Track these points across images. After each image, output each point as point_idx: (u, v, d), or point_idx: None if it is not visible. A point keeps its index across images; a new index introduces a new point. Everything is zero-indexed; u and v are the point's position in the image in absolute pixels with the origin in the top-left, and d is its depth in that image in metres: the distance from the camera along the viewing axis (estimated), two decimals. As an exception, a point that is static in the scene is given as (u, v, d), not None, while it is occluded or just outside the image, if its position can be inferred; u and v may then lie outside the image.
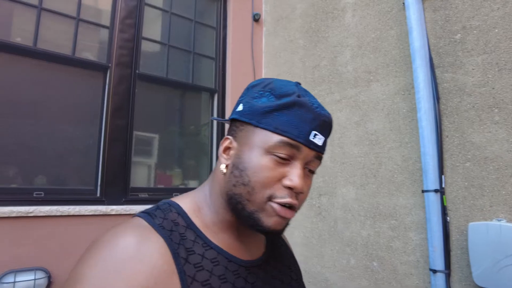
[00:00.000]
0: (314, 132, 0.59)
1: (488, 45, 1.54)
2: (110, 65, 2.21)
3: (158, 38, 2.49)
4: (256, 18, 2.84)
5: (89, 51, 2.21)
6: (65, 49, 2.09)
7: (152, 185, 2.40)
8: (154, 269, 0.50)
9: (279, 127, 0.58)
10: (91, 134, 2.16)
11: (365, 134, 2.02)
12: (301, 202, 0.62)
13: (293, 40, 2.59)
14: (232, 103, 2.69)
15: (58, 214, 1.89)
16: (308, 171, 0.63)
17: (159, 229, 0.56)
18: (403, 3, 1.85)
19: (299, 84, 0.65)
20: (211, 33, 2.78)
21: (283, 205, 0.58)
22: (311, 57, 2.42)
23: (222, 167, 0.62)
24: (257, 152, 0.59)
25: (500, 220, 1.44)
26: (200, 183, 2.61)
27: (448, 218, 1.61)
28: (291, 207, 0.59)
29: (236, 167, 0.60)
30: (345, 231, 2.05)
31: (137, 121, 2.30)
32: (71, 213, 1.92)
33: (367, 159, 2.00)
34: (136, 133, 2.30)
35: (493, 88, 1.51)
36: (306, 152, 0.59)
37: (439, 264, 1.58)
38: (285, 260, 0.74)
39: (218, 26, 2.78)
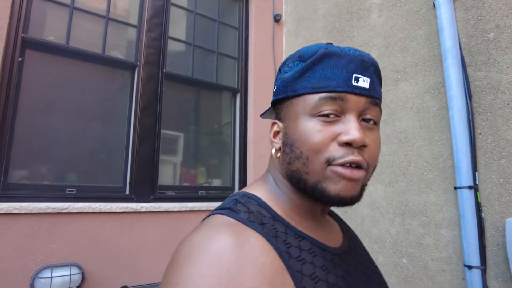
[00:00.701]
0: (355, 75, 0.52)
1: (523, 44, 1.57)
2: (138, 63, 2.24)
3: (183, 38, 2.52)
4: (277, 19, 2.87)
5: (118, 50, 2.24)
6: (95, 48, 2.12)
7: (177, 183, 2.42)
8: (264, 268, 0.44)
9: (314, 84, 0.53)
10: (120, 132, 2.18)
11: (394, 132, 2.04)
12: (371, 158, 0.54)
13: (315, 40, 2.62)
14: (254, 103, 2.72)
15: (91, 211, 1.90)
16: (369, 123, 0.55)
17: (251, 224, 0.50)
18: (433, 3, 1.87)
19: (330, 43, 0.59)
20: (234, 33, 2.81)
21: (346, 165, 0.51)
22: (335, 57, 2.45)
23: (274, 151, 0.59)
24: (302, 120, 0.54)
25: (538, 216, 1.46)
26: (223, 181, 2.63)
27: (482, 214, 1.63)
28: (358, 166, 0.51)
29: (286, 145, 0.56)
30: (373, 229, 2.07)
31: (164, 120, 2.32)
32: (103, 210, 1.94)
33: (396, 157, 2.02)
34: (163, 131, 2.32)
35: (529, 86, 1.54)
36: (354, 100, 0.52)
37: (475, 260, 1.60)
38: (359, 244, 0.70)
39: (240, 27, 2.81)
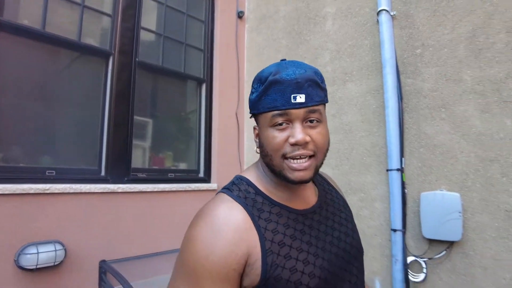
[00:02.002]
0: (292, 95, 0.73)
1: (440, 60, 2.04)
2: (113, 52, 2.33)
3: (154, 29, 2.64)
4: (240, 15, 3.10)
5: (93, 38, 2.31)
6: (71, 34, 2.17)
7: (147, 166, 2.59)
8: (238, 227, 0.71)
9: (268, 105, 0.75)
10: (95, 117, 2.29)
11: (340, 124, 2.45)
12: (316, 147, 0.75)
13: (276, 39, 2.92)
14: (219, 93, 2.95)
15: (72, 191, 2.02)
16: (313, 123, 0.75)
17: (238, 198, 0.76)
18: (377, 20, 2.28)
19: (284, 59, 0.82)
20: (200, 26, 2.99)
21: (296, 158, 0.74)
22: (293, 56, 2.78)
23: (256, 148, 0.85)
24: (265, 129, 0.77)
25: (442, 190, 1.97)
26: (189, 165, 2.86)
27: (406, 190, 2.12)
28: (306, 156, 0.74)
29: (260, 146, 0.80)
30: (322, 204, 2.48)
31: (135, 106, 2.46)
32: (83, 191, 2.07)
33: (341, 145, 2.44)
34: (135, 117, 2.46)
35: (442, 93, 2.02)
36: (295, 112, 0.73)
37: (398, 225, 2.08)
38: (335, 203, 0.93)
39: (207, 20, 2.99)
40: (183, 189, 2.61)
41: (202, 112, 2.94)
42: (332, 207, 0.91)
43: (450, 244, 1.92)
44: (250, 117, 0.87)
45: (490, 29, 1.90)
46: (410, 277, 2.01)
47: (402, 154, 2.15)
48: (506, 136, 1.82)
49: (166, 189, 2.49)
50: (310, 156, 0.75)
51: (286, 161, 0.75)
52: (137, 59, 2.45)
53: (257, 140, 0.83)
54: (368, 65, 2.35)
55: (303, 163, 0.74)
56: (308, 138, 0.73)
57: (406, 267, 2.02)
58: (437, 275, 1.97)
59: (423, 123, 2.09)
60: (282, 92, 0.73)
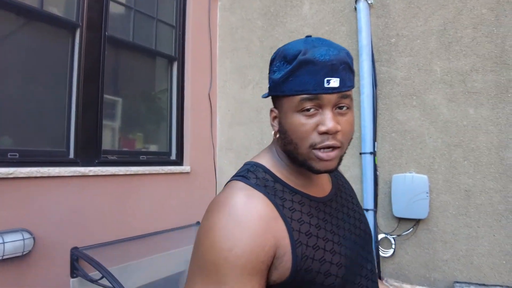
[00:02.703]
0: (326, 78, 0.65)
1: (413, 50, 2.16)
2: (80, 24, 2.14)
3: (124, 1, 2.46)
4: (213, -8, 2.99)
5: (57, 7, 2.08)
6: (31, 1, 1.95)
7: (117, 148, 2.46)
8: (262, 217, 0.64)
9: (296, 88, 0.66)
10: (61, 95, 2.10)
11: (316, 108, 2.51)
12: (344, 137, 0.69)
13: (251, 20, 2.87)
14: (191, 72, 2.85)
15: (39, 175, 1.86)
16: (342, 109, 0.69)
17: (257, 187, 0.69)
18: (355, 7, 2.34)
19: (309, 36, 0.73)
20: (172, 1, 2.83)
21: (325, 148, 0.67)
22: (269, 38, 2.76)
23: (273, 133, 0.77)
24: (290, 114, 0.69)
25: (412, 173, 2.13)
26: (160, 147, 2.77)
27: (378, 172, 2.26)
28: (334, 147, 0.68)
29: (281, 131, 0.73)
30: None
31: (105, 85, 2.30)
32: (51, 174, 1.92)
33: (317, 128, 2.50)
34: (104, 96, 2.30)
35: (414, 82, 2.16)
36: (327, 98, 0.66)
37: (370, 205, 2.22)
38: (346, 189, 0.91)
39: (179, -5, 2.84)
40: (156, 172, 2.52)
41: (174, 92, 2.83)
42: (345, 193, 0.89)
43: (417, 221, 2.10)
44: (265, 96, 0.79)
45: (459, 24, 2.04)
46: (380, 253, 2.18)
47: (375, 139, 2.27)
48: (469, 124, 2.00)
49: (139, 172, 2.39)
50: (338, 147, 0.69)
51: (314, 151, 0.68)
52: (106, 33, 2.27)
53: (275, 124, 0.76)
54: (345, 52, 2.42)
55: (330, 152, 0.68)
56: (339, 127, 0.67)
57: (377, 244, 2.18)
58: (404, 250, 2.15)
59: (395, 110, 2.22)
60: (314, 74, 0.65)
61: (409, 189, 2.08)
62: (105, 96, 2.31)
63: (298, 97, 0.66)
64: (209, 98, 3.03)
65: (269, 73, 0.76)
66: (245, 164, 0.79)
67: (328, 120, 0.65)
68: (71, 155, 2.11)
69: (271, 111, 0.77)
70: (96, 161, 2.21)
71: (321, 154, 0.67)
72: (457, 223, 2.01)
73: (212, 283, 0.60)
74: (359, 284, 0.74)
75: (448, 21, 2.07)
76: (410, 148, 2.16)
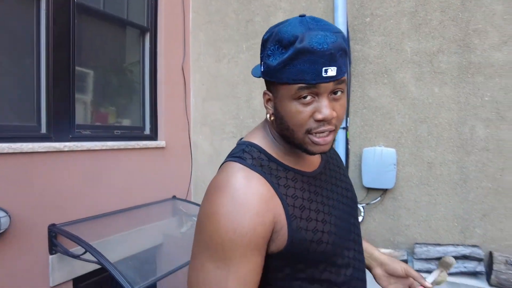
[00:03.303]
0: (324, 68, 0.65)
1: (386, 30, 2.26)
2: (46, -12, 1.99)
3: (92, -36, 2.30)
4: (186, -40, 2.86)
5: (20, -32, 1.92)
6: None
7: (90, 123, 2.38)
8: (261, 197, 0.68)
9: (294, 77, 0.66)
10: (29, 67, 1.97)
11: (292, 84, 2.57)
12: (338, 121, 0.72)
13: (226, -8, 2.81)
14: (164, 44, 2.77)
15: (11, 151, 1.79)
16: (337, 94, 0.70)
17: (253, 167, 0.72)
18: (332, -16, 2.37)
19: (304, 16, 0.70)
20: (143, -33, 2.68)
21: (321, 132, 0.70)
22: (245, 11, 2.73)
23: (268, 116, 0.78)
24: (287, 101, 0.70)
25: (381, 146, 2.29)
26: (133, 121, 2.72)
27: (349, 146, 2.40)
28: (329, 131, 0.71)
29: (277, 116, 0.74)
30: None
31: (76, 56, 2.19)
32: (24, 150, 1.84)
33: (292, 104, 2.58)
34: (76, 68, 2.20)
35: (385, 61, 2.27)
36: (324, 86, 0.67)
37: (342, 177, 2.37)
38: (334, 160, 0.95)
39: (150, -39, 2.70)
40: (131, 147, 2.49)
41: (146, 65, 2.75)
42: (333, 164, 0.93)
43: (384, 191, 2.29)
44: (258, 77, 0.79)
45: (429, 7, 2.16)
46: (350, 220, 2.36)
47: (347, 114, 2.39)
48: (433, 102, 2.17)
49: (115, 147, 2.35)
50: (332, 130, 0.72)
51: (310, 136, 0.71)
52: (75, 0, 2.13)
53: (269, 107, 0.77)
54: (321, 29, 2.47)
55: (326, 137, 0.71)
56: (334, 114, 0.69)
57: (347, 212, 2.36)
58: (372, 217, 2.35)
59: (368, 87, 2.34)
60: (312, 64, 0.65)
61: (378, 161, 2.24)
62: (76, 68, 2.20)
63: (296, 86, 0.67)
64: (183, 72, 2.98)
65: (261, 53, 0.75)
66: (239, 144, 0.81)
67: (324, 108, 0.68)
68: (43, 130, 2.03)
69: (265, 93, 0.77)
70: (70, 136, 2.14)
71: (317, 139, 0.71)
72: (419, 192, 2.22)
73: (220, 260, 0.64)
74: (347, 247, 0.81)
75: (419, 3, 2.18)
76: (380, 123, 2.31)
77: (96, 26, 2.38)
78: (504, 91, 2.01)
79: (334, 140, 0.75)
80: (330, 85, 0.67)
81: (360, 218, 2.35)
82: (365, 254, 0.97)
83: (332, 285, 0.75)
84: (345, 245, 0.79)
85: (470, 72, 2.08)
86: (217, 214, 0.66)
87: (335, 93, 0.70)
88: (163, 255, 2.65)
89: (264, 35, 0.73)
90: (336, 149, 2.34)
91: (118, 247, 2.31)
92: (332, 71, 0.65)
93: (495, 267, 1.94)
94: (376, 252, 0.97)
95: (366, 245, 1.00)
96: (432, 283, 0.83)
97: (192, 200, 3.08)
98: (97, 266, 2.22)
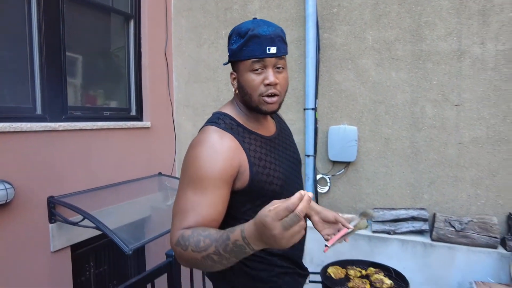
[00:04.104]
0: (268, 47, 0.93)
1: (351, 20, 2.52)
2: (37, -22, 2.12)
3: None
4: None
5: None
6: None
7: (80, 104, 2.56)
8: (231, 148, 0.94)
9: (248, 54, 0.94)
10: (23, 53, 2.13)
11: (268, 69, 2.81)
12: (281, 88, 0.98)
13: (206, -20, 2.98)
14: (148, 29, 2.94)
15: (12, 130, 1.97)
16: (279, 69, 0.97)
17: (226, 129, 0.98)
18: (303, -23, 2.59)
19: (255, 18, 1.00)
20: (126, -45, 2.81)
21: (269, 95, 0.96)
22: (224, 0, 2.92)
23: (234, 90, 1.05)
24: (245, 73, 0.96)
25: (345, 124, 2.59)
26: (119, 103, 2.92)
27: (317, 125, 2.69)
28: (275, 95, 0.97)
29: (239, 87, 1.01)
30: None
31: (66, 41, 2.34)
32: (24, 129, 2.03)
33: (268, 87, 2.83)
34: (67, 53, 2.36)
35: (350, 48, 2.55)
36: (269, 60, 0.94)
37: (311, 152, 2.68)
38: (285, 130, 1.22)
39: (132, -51, 2.82)
40: (120, 127, 2.69)
41: (131, 49, 2.91)
42: (285, 133, 1.21)
43: (347, 164, 2.61)
44: (226, 63, 1.06)
45: (388, 0, 2.43)
46: (318, 190, 2.68)
47: (316, 96, 2.67)
48: (391, 85, 2.47)
49: (104, 127, 2.55)
50: (277, 95, 0.98)
51: (262, 97, 0.97)
52: (63, -13, 2.27)
53: (235, 84, 1.03)
54: (293, 18, 2.70)
55: (273, 98, 0.97)
56: (277, 80, 0.96)
57: (315, 182, 2.67)
58: (337, 187, 2.67)
59: (334, 72, 2.61)
60: (260, 44, 0.92)
61: (342, 138, 2.55)
62: (67, 53, 2.36)
63: (250, 61, 0.94)
64: (165, 56, 3.16)
65: (228, 45, 1.02)
66: (215, 113, 1.07)
67: (270, 76, 0.95)
68: (39, 111, 2.21)
69: (231, 74, 1.04)
70: (64, 117, 2.32)
71: (267, 99, 0.97)
72: (378, 164, 2.55)
73: (198, 188, 0.89)
74: (292, 191, 1.06)
75: (379, -4, 2.45)
76: (344, 104, 2.60)
77: (84, 14, 2.53)
78: (448, 76, 2.33)
79: (280, 104, 1.02)
80: (273, 60, 0.95)
81: (326, 188, 2.67)
82: None
83: None
84: (289, 189, 1.07)
85: (422, 59, 2.39)
86: (199, 158, 0.92)
87: (278, 68, 0.97)
88: (151, 225, 2.91)
89: (230, 33, 1.01)
90: (307, 128, 2.64)
91: (110, 217, 2.55)
92: (273, 49, 0.94)
93: (436, 225, 2.31)
94: (314, 204, 1.26)
95: None
96: (354, 227, 1.12)
97: (177, 176, 3.33)
98: (92, 235, 2.47)
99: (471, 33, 2.25)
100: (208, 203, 0.88)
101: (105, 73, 2.78)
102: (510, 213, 2.23)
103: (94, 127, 2.47)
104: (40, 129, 2.11)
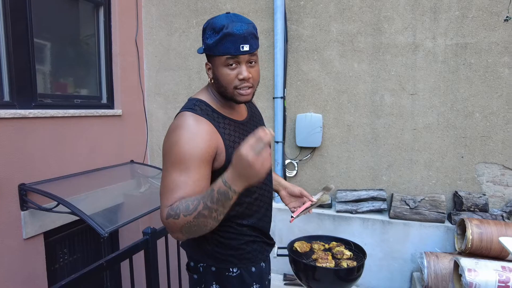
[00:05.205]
0: (241, 45, 0.98)
1: (317, 13, 2.66)
2: (2, -38, 2.08)
3: None
4: None
5: None
6: None
7: (50, 92, 2.55)
8: (208, 131, 1.01)
9: (224, 51, 0.99)
10: (-11, 37, 2.09)
11: (238, 58, 2.91)
12: (254, 81, 1.05)
13: (176, -31, 3.00)
14: (118, 17, 2.93)
15: (-21, 117, 1.95)
16: (252, 63, 1.03)
17: (202, 114, 1.04)
18: (272, -31, 2.69)
19: (229, 13, 1.04)
20: None
21: (243, 88, 1.03)
22: (194, -10, 2.97)
23: (209, 80, 1.10)
24: (220, 68, 1.02)
25: (311, 113, 2.75)
26: (90, 91, 2.92)
27: (286, 113, 2.83)
28: (249, 87, 1.04)
29: (215, 79, 1.06)
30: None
31: (34, 27, 2.32)
32: (-8, 116, 2.01)
33: (238, 76, 2.93)
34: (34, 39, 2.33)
35: (316, 40, 2.69)
36: (243, 57, 1.00)
37: (279, 138, 2.82)
38: (256, 115, 1.30)
39: None
40: (91, 115, 2.70)
41: (101, 37, 2.90)
42: (256, 118, 1.29)
43: (313, 149, 2.78)
44: (201, 53, 1.10)
45: (350, -6, 2.59)
46: (286, 174, 2.84)
47: (284, 86, 2.81)
48: (353, 75, 2.65)
49: (76, 114, 2.55)
50: (251, 87, 1.06)
51: (236, 90, 1.04)
52: (29, -28, 2.24)
53: (210, 74, 1.10)
54: (262, 9, 2.80)
55: (247, 90, 1.05)
56: (250, 75, 1.03)
57: (284, 167, 2.83)
58: (304, 171, 2.84)
59: (301, 62, 2.75)
60: (234, 43, 0.99)
61: (308, 125, 2.71)
62: (35, 40, 2.33)
63: (225, 57, 1.00)
64: (136, 44, 3.17)
65: (202, 37, 1.07)
66: (190, 100, 1.12)
67: (244, 71, 1.01)
68: (7, 98, 2.19)
69: (206, 64, 1.10)
70: (33, 104, 2.31)
71: (242, 91, 1.05)
72: (341, 149, 2.74)
73: (182, 169, 0.96)
74: None
75: (343, -9, 2.60)
76: (310, 93, 2.75)
77: (52, 0, 2.49)
78: (404, 67, 2.53)
79: (253, 94, 1.09)
80: (246, 57, 1.01)
81: (294, 172, 2.84)
82: (274, 182, 1.39)
83: (249, 193, 1.14)
84: None
85: (381, 51, 2.58)
86: (179, 141, 0.99)
87: (250, 62, 1.04)
88: (125, 211, 2.95)
89: (204, 25, 1.06)
90: (276, 115, 2.77)
91: (84, 204, 2.57)
92: (246, 47, 1.00)
93: (393, 204, 2.54)
94: (282, 180, 1.39)
95: (275, 176, 1.42)
96: (316, 200, 1.26)
97: (149, 163, 3.38)
98: (66, 221, 2.50)
99: (424, 28, 2.46)
100: (192, 181, 0.97)
101: (75, 61, 2.76)
102: (456, 191, 2.49)
103: (66, 115, 2.47)
104: (9, 116, 2.10)
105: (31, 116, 2.22)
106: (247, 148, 0.81)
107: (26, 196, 2.20)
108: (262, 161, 0.81)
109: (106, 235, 1.95)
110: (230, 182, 0.84)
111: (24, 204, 2.20)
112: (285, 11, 2.70)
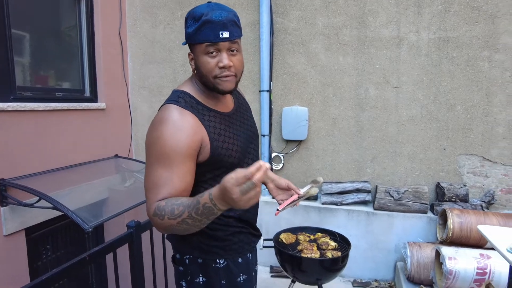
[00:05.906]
0: (221, 32, 0.96)
1: (302, 6, 2.66)
2: (-24, -51, 2.00)
3: None
4: None
5: None
6: None
7: (30, 85, 2.48)
8: (193, 124, 0.99)
9: (203, 38, 0.97)
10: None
11: (224, 51, 2.89)
12: (236, 69, 1.02)
13: (160, -41, 2.95)
14: (101, 8, 2.86)
15: (-45, 110, 1.89)
16: (233, 52, 1.01)
17: (186, 107, 1.02)
18: (257, -39, 2.67)
19: (210, 2, 1.01)
20: None
21: (224, 76, 1.00)
22: (179, -19, 2.92)
23: (192, 69, 1.08)
24: (201, 56, 1.00)
25: (296, 106, 2.76)
26: (72, 84, 2.86)
27: (272, 106, 2.83)
28: (229, 75, 1.02)
29: (197, 68, 1.04)
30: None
31: (11, 18, 2.24)
32: (-31, 110, 1.95)
33: (224, 69, 2.91)
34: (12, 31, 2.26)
35: (302, 33, 2.69)
36: (222, 44, 0.98)
37: (266, 131, 2.82)
38: (244, 106, 1.27)
39: None
40: (74, 108, 2.64)
41: (83, 29, 2.83)
42: (243, 109, 1.26)
43: (299, 142, 2.79)
44: (184, 44, 1.09)
45: (336, -13, 2.59)
46: (273, 167, 2.85)
47: (271, 79, 2.80)
48: (338, 68, 2.66)
49: (58, 108, 2.49)
50: (232, 75, 1.03)
51: (217, 79, 1.02)
52: (6, -40, 2.16)
53: (192, 64, 1.08)
54: (248, 1, 2.78)
55: (229, 78, 1.02)
56: (231, 63, 1.00)
57: (270, 160, 2.83)
58: (290, 164, 2.86)
59: (287, 56, 2.75)
60: (213, 29, 0.97)
61: (294, 118, 2.72)
62: (13, 30, 2.26)
63: (204, 44, 0.98)
64: (120, 37, 3.10)
65: (184, 28, 1.06)
66: (174, 92, 1.10)
67: (224, 59, 0.99)
68: (-16, 91, 2.12)
69: (189, 54, 1.08)
70: (12, 97, 2.24)
71: (223, 80, 1.02)
72: (326, 142, 2.76)
73: (166, 165, 0.95)
74: (247, 162, 1.20)
75: (328, -16, 2.60)
76: (296, 87, 2.76)
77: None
78: (389, 60, 2.56)
79: (237, 84, 1.08)
80: (226, 44, 0.99)
81: (280, 165, 2.85)
82: None
83: None
84: (246, 160, 1.19)
85: (366, 45, 2.60)
86: (163, 135, 0.98)
87: (232, 50, 1.02)
88: (110, 206, 2.91)
89: (186, 15, 1.04)
90: (262, 109, 2.77)
91: (67, 199, 2.52)
92: (226, 34, 0.98)
93: (377, 195, 2.58)
94: (270, 172, 1.40)
95: None
96: (304, 193, 1.27)
97: (134, 158, 3.33)
98: (48, 217, 2.45)
99: (408, 22, 2.49)
100: (177, 176, 0.96)
101: (57, 53, 2.69)
102: (438, 182, 2.55)
103: (47, 108, 2.41)
104: (-13, 110, 2.03)
105: (9, 109, 2.16)
106: (233, 184, 0.75)
107: (5, 191, 2.14)
108: (247, 200, 0.77)
109: (90, 229, 1.92)
110: (216, 201, 0.82)
111: (4, 200, 2.15)
112: (270, 3, 2.69)
